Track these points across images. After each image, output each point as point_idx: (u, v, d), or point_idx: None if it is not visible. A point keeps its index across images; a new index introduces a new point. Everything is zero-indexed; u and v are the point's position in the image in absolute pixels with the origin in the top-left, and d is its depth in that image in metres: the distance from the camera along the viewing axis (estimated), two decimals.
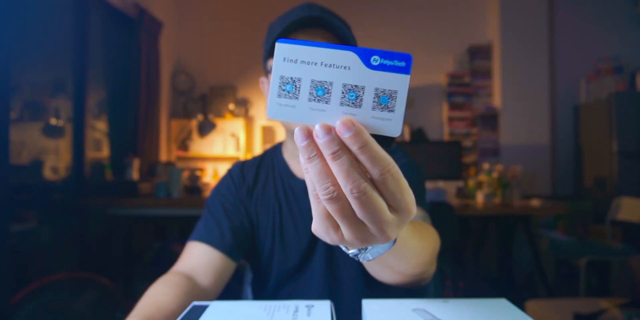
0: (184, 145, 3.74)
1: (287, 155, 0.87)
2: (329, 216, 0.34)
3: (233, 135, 3.74)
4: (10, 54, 1.78)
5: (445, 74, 3.64)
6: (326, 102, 0.32)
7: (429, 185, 2.46)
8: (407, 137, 3.43)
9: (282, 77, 0.32)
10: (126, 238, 2.69)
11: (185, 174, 2.85)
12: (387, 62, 0.32)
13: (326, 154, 0.31)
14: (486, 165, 2.89)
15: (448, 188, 2.58)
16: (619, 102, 2.93)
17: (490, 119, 3.54)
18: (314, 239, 0.81)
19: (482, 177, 2.75)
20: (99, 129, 2.80)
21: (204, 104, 3.80)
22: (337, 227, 0.34)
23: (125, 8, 2.94)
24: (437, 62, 3.72)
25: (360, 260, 0.44)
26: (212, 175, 3.62)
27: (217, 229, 0.80)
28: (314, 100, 0.32)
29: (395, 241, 0.42)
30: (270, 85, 0.33)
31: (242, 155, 3.69)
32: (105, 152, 2.86)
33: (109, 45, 2.89)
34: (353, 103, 0.32)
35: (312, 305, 0.51)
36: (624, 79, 3.20)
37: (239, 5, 3.89)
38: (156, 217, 2.82)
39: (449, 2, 3.74)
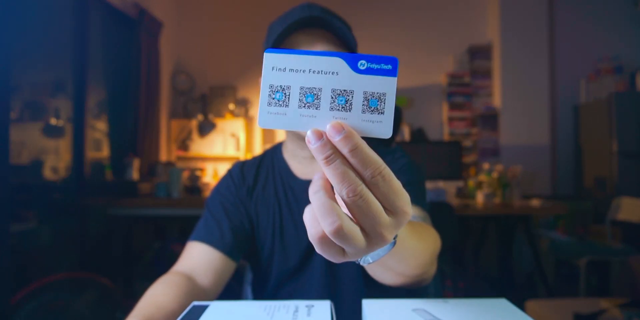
0: (184, 145, 3.74)
1: (287, 155, 0.87)
2: (328, 241, 0.32)
3: (233, 135, 3.74)
4: (10, 54, 1.78)
5: (445, 74, 3.64)
6: (316, 108, 0.33)
7: (429, 185, 2.46)
8: (407, 137, 3.43)
9: (271, 86, 0.33)
10: (126, 238, 2.69)
11: (185, 174, 2.85)
12: (374, 66, 0.32)
13: (319, 159, 0.31)
14: (486, 165, 2.89)
15: (448, 188, 2.58)
16: (619, 102, 2.93)
17: (490, 119, 3.54)
18: None
19: (482, 177, 2.75)
20: (99, 129, 2.80)
21: (204, 104, 3.80)
22: (341, 249, 0.33)
23: (125, 8, 2.94)
24: (437, 62, 3.72)
25: (361, 263, 0.44)
26: (212, 175, 3.62)
27: (217, 229, 0.80)
28: (304, 106, 0.33)
29: (394, 243, 0.42)
30: (260, 94, 0.33)
31: (242, 155, 3.69)
32: (105, 152, 2.85)
33: (109, 45, 2.89)
34: (343, 107, 0.33)
35: (312, 305, 0.51)
36: (624, 79, 3.20)
37: (239, 5, 3.89)
38: (156, 217, 2.82)
39: (449, 2, 3.74)
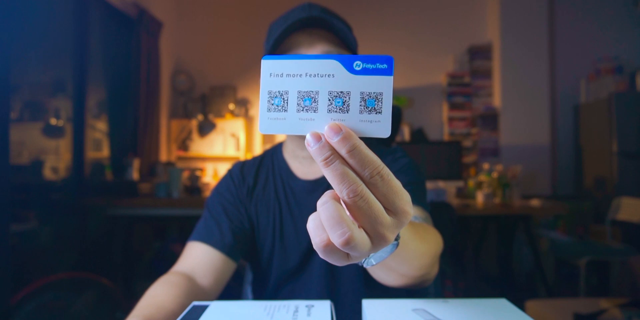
0: (184, 145, 3.74)
1: (288, 155, 0.87)
2: (334, 249, 0.32)
3: (233, 135, 3.74)
4: (10, 54, 1.77)
5: (445, 74, 3.64)
6: (314, 111, 0.33)
7: (429, 185, 2.46)
8: (407, 137, 3.43)
9: (269, 92, 0.34)
10: (126, 238, 2.69)
11: (185, 174, 2.85)
12: (370, 66, 0.33)
13: (319, 160, 0.31)
14: (486, 165, 2.89)
15: (448, 188, 2.58)
16: (619, 102, 2.93)
17: (490, 119, 3.54)
18: None
19: (482, 177, 2.75)
20: (99, 129, 2.80)
21: (204, 104, 3.80)
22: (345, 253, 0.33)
23: (125, 8, 2.94)
24: (437, 62, 3.72)
25: (365, 266, 0.44)
26: (212, 175, 3.62)
27: (217, 229, 0.80)
28: (302, 110, 0.33)
29: (397, 244, 0.42)
30: (260, 101, 0.34)
31: (242, 155, 3.69)
32: (105, 152, 2.85)
33: (108, 45, 2.89)
34: (340, 109, 0.33)
35: (312, 305, 0.51)
36: (624, 79, 3.20)
37: (239, 4, 3.89)
38: (156, 217, 2.82)
39: (449, 2, 3.74)
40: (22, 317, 1.62)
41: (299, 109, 0.33)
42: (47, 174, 2.27)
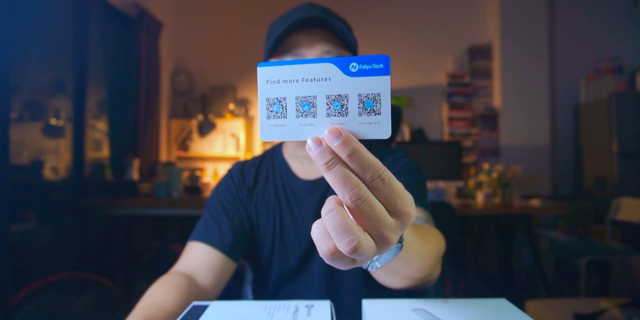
0: (184, 145, 3.74)
1: (288, 155, 0.87)
2: (341, 255, 0.32)
3: (233, 135, 3.74)
4: (10, 54, 1.77)
5: (445, 74, 3.64)
6: (313, 116, 0.33)
7: (429, 185, 2.46)
8: (407, 137, 3.43)
9: (268, 99, 0.34)
10: (126, 238, 2.69)
11: (185, 174, 2.85)
12: (366, 67, 0.32)
13: (320, 165, 0.31)
14: (486, 165, 2.89)
15: (448, 188, 2.58)
16: (619, 102, 2.93)
17: (490, 119, 3.54)
18: None
19: (482, 177, 2.75)
20: (99, 129, 2.80)
21: (204, 104, 3.80)
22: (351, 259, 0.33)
23: (125, 8, 2.94)
24: (437, 62, 3.72)
25: (370, 269, 0.43)
26: (212, 175, 3.62)
27: (217, 229, 0.80)
28: (302, 115, 0.33)
29: (401, 246, 0.42)
30: (258, 108, 0.34)
31: (242, 155, 3.69)
32: (105, 152, 2.85)
33: (108, 45, 2.89)
34: (339, 112, 0.33)
35: (312, 305, 0.51)
36: (624, 79, 3.20)
37: (239, 5, 3.89)
38: (156, 217, 2.82)
39: (449, 2, 3.74)
40: (22, 317, 1.62)
41: (298, 115, 0.33)
42: (47, 174, 2.27)
